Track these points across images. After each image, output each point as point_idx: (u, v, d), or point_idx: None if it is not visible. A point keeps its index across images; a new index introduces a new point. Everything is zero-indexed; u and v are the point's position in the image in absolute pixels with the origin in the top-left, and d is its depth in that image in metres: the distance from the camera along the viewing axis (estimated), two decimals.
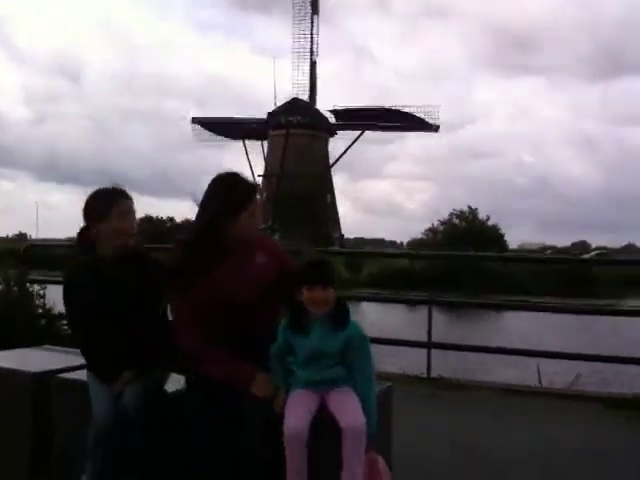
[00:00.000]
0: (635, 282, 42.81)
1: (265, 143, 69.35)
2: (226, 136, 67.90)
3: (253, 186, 2.93)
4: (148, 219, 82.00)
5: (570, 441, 4.43)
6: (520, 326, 21.20)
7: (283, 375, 2.87)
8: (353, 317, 2.86)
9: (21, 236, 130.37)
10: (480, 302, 15.55)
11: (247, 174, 3.00)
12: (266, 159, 68.67)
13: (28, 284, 7.71)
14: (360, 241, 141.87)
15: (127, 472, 2.97)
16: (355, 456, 2.67)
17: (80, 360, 3.29)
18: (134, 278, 3.05)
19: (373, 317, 22.35)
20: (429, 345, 6.31)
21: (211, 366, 2.80)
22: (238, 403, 2.77)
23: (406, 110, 54.62)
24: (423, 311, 6.61)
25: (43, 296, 7.53)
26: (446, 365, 7.49)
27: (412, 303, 26.59)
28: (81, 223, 3.12)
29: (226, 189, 2.87)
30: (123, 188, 3.15)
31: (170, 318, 2.99)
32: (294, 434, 2.66)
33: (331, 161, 70.93)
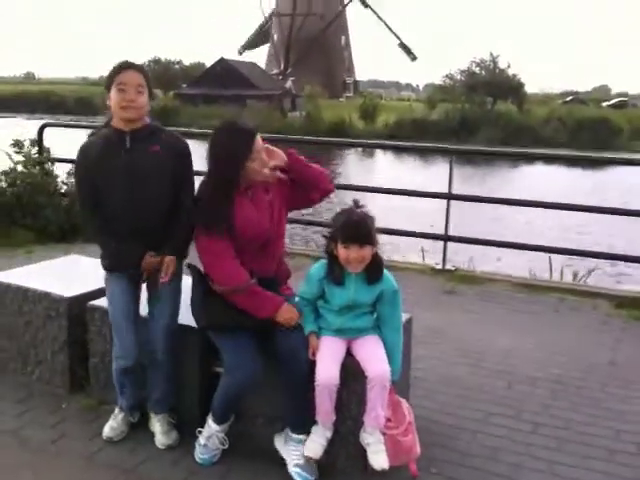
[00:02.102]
0: None
1: None
2: None
3: (251, 133, 2.93)
4: (156, 61, 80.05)
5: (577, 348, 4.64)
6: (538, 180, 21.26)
7: (314, 320, 2.98)
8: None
9: (28, 75, 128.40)
10: (501, 151, 15.41)
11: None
12: None
13: (48, 164, 7.75)
14: (374, 83, 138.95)
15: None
16: (379, 401, 2.83)
17: None
18: (144, 157, 3.03)
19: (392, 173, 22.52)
20: (446, 238, 6.39)
21: (242, 296, 2.92)
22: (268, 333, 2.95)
23: None
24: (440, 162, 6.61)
25: (69, 174, 7.60)
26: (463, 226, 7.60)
27: (431, 152, 26.60)
28: None
29: (227, 143, 2.92)
30: (134, 63, 3.06)
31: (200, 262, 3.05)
32: (326, 383, 2.81)
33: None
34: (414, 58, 68.55)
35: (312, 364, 2.88)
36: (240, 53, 70.09)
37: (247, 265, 2.95)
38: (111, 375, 3.31)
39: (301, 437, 2.95)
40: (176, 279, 3.16)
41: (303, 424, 2.95)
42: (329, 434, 2.92)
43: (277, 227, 3.06)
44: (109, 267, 3.13)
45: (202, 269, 3.06)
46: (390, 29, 68.13)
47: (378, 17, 67.27)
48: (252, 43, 71.46)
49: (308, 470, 2.91)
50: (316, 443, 2.90)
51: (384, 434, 2.90)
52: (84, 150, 3.05)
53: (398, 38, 68.40)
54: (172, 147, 3.10)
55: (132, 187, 2.99)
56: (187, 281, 3.18)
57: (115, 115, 3.02)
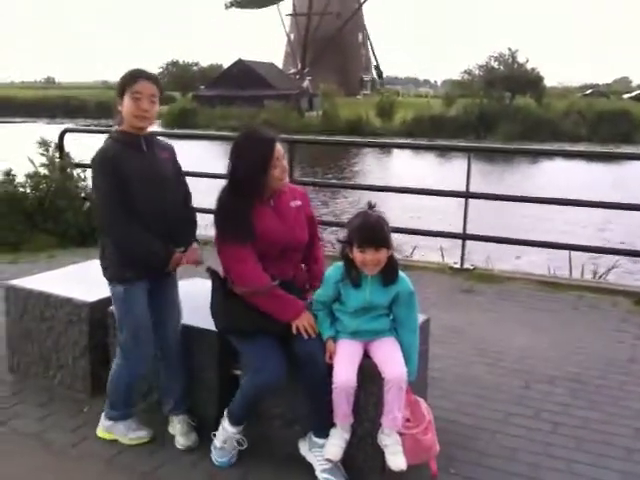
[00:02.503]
0: None
1: None
2: None
3: (272, 140, 2.99)
4: (174, 63, 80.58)
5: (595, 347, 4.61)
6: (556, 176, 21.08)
7: (330, 324, 2.99)
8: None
9: (49, 80, 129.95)
10: (518, 148, 15.30)
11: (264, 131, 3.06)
12: None
13: (69, 168, 7.86)
14: (393, 80, 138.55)
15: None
16: (396, 403, 2.84)
17: None
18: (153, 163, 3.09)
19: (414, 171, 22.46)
20: (464, 237, 6.38)
21: (264, 299, 2.95)
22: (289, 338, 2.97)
23: None
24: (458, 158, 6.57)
25: (84, 179, 7.72)
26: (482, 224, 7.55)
27: (449, 149, 26.56)
28: None
29: (249, 152, 2.97)
30: (149, 72, 3.10)
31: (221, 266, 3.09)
32: (343, 386, 2.83)
33: None
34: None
35: (330, 367, 2.90)
36: (227, 7, 68.81)
37: (267, 269, 2.98)
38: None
39: (325, 441, 2.97)
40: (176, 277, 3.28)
41: (325, 428, 2.97)
42: (347, 436, 2.94)
43: (300, 235, 3.11)
44: (136, 276, 3.08)
45: (221, 273, 3.10)
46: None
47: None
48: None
49: (337, 474, 2.93)
50: (335, 446, 2.92)
51: (403, 434, 2.92)
52: (104, 152, 3.02)
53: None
54: (171, 152, 3.24)
55: (157, 189, 3.05)
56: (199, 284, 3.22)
57: (127, 122, 3.07)
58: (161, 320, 3.23)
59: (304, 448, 3.07)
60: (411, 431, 2.93)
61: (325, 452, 2.92)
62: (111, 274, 3.12)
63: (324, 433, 2.97)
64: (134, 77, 3.04)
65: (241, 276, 2.97)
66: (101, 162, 3.01)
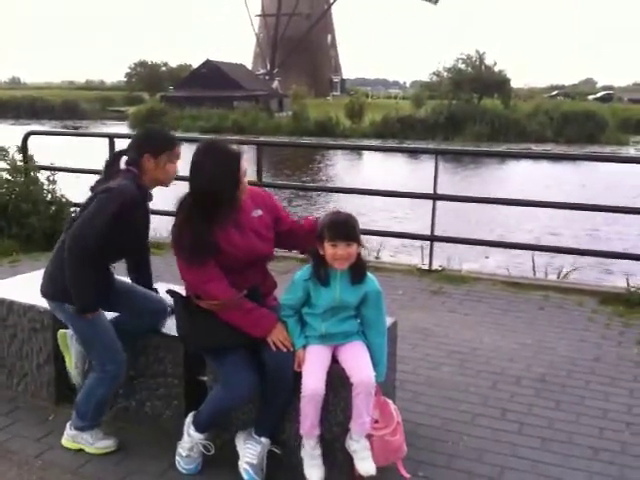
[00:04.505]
0: None
1: None
2: None
3: (238, 157, 2.88)
4: (142, 63, 79.84)
5: (564, 347, 4.68)
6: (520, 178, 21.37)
7: (300, 330, 2.98)
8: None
9: (14, 80, 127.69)
10: (485, 151, 15.55)
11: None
12: None
13: (33, 172, 7.72)
14: (362, 81, 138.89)
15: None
16: (364, 408, 2.85)
17: None
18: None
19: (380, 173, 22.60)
20: (432, 238, 6.42)
21: (236, 314, 2.90)
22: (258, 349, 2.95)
23: None
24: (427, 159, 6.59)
25: (53, 182, 7.59)
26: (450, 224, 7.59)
27: (418, 152, 26.81)
28: None
29: (214, 169, 2.85)
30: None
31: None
32: (313, 394, 2.83)
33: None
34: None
35: (298, 375, 2.89)
36: None
37: (234, 280, 2.93)
38: None
39: (262, 439, 2.98)
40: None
41: (268, 428, 3.00)
42: (318, 451, 2.94)
43: (262, 248, 3.03)
44: (96, 304, 3.11)
45: (182, 290, 3.07)
46: None
47: None
48: None
49: (257, 472, 2.94)
50: (314, 467, 2.92)
51: (372, 435, 2.93)
52: (129, 199, 3.02)
53: None
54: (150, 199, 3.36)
55: (143, 241, 3.38)
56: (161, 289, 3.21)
57: (154, 179, 3.17)
58: (135, 306, 3.28)
59: (240, 438, 3.06)
60: (380, 432, 2.94)
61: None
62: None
63: (266, 433, 2.99)
64: (177, 141, 3.24)
65: (206, 293, 2.92)
66: (123, 208, 2.99)
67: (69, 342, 3.31)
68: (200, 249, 2.85)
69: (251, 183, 7.27)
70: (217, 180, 2.83)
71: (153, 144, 3.15)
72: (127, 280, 3.47)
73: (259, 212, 3.05)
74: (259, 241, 3.02)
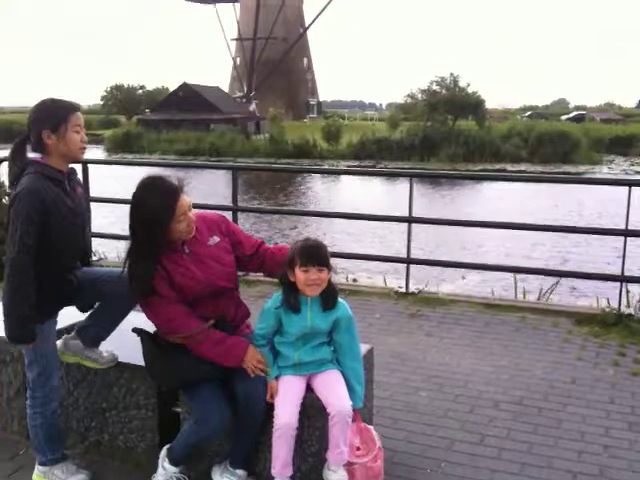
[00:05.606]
0: (617, 142, 43.36)
1: (237, 5, 66.24)
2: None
3: (175, 192, 2.79)
4: (118, 87, 79.77)
5: (543, 368, 4.68)
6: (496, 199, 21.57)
7: (272, 359, 2.95)
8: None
9: None
10: (459, 173, 15.77)
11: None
12: (239, 22, 65.81)
13: (4, 199, 7.62)
14: (338, 104, 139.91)
15: None
16: (342, 437, 2.82)
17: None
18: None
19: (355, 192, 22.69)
20: (408, 261, 6.43)
21: (206, 347, 2.86)
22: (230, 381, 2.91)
23: None
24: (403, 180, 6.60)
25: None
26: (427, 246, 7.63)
27: (394, 175, 26.95)
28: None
29: (148, 204, 2.77)
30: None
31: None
32: (285, 427, 2.79)
33: (307, 23, 68.24)
34: None
35: (270, 406, 2.86)
36: None
37: (204, 311, 2.90)
38: (70, 419, 3.24)
39: (237, 471, 2.95)
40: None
41: (242, 460, 2.97)
42: None
43: (221, 280, 2.97)
44: (55, 309, 3.05)
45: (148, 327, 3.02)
46: None
47: None
48: None
49: None
50: None
51: (353, 464, 2.89)
52: (35, 193, 2.82)
53: None
54: (82, 186, 3.16)
55: (81, 227, 3.03)
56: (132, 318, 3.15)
57: (62, 155, 2.93)
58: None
59: (217, 472, 3.02)
60: (362, 460, 2.92)
61: None
62: None
63: (241, 464, 2.96)
64: (73, 108, 2.94)
65: (172, 330, 2.87)
66: (31, 206, 2.79)
67: (65, 351, 3.24)
68: (142, 287, 2.82)
69: (225, 208, 7.29)
70: (149, 216, 2.76)
71: (47, 117, 2.90)
72: (90, 269, 3.26)
73: (216, 239, 3.00)
74: (221, 267, 2.97)
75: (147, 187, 2.82)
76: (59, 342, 3.22)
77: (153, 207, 2.75)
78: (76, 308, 3.22)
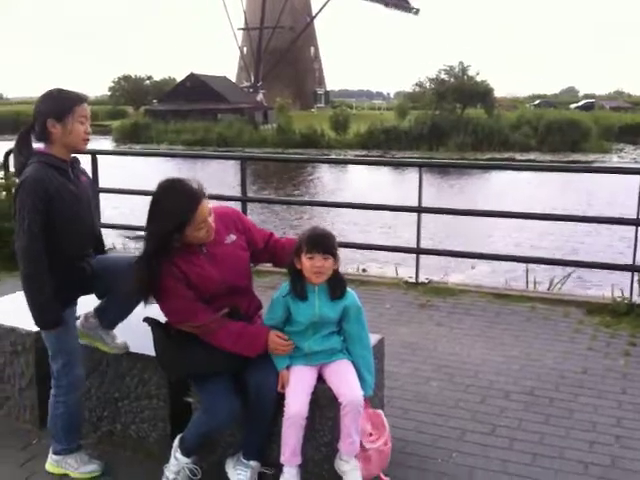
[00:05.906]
0: (627, 130, 43.14)
1: None
2: None
3: (196, 197, 2.76)
4: (126, 77, 79.73)
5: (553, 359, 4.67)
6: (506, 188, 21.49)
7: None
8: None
9: None
10: (467, 163, 15.69)
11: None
12: (245, 11, 65.57)
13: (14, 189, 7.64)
14: (345, 93, 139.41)
15: None
16: (353, 427, 2.82)
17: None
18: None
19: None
20: (418, 251, 6.41)
21: (227, 342, 2.86)
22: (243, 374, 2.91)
23: None
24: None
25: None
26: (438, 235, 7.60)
27: (403, 165, 26.93)
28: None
29: (167, 206, 2.75)
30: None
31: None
32: (295, 416, 2.79)
33: (314, 11, 67.91)
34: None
35: (281, 396, 2.86)
36: None
37: (219, 306, 2.90)
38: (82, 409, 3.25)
39: (250, 463, 2.95)
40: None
41: (256, 451, 2.97)
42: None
43: (237, 279, 2.98)
44: (71, 297, 3.07)
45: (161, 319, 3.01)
46: None
47: None
48: None
49: None
50: None
51: (368, 449, 2.91)
52: (40, 181, 2.83)
53: None
54: (87, 175, 3.19)
55: (89, 215, 3.06)
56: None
57: (65, 145, 2.94)
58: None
59: (230, 464, 3.03)
60: (376, 444, 2.94)
61: None
62: None
63: (254, 456, 2.96)
64: (81, 100, 2.95)
65: (182, 318, 2.87)
66: (34, 195, 2.80)
67: (82, 329, 3.24)
68: (144, 283, 2.81)
69: (235, 198, 7.26)
70: (165, 221, 2.74)
71: (53, 107, 2.89)
72: (105, 256, 3.30)
73: (232, 237, 2.99)
74: (238, 266, 2.98)
75: (169, 189, 2.79)
76: (79, 320, 3.24)
77: (172, 209, 2.73)
78: (95, 296, 3.24)
